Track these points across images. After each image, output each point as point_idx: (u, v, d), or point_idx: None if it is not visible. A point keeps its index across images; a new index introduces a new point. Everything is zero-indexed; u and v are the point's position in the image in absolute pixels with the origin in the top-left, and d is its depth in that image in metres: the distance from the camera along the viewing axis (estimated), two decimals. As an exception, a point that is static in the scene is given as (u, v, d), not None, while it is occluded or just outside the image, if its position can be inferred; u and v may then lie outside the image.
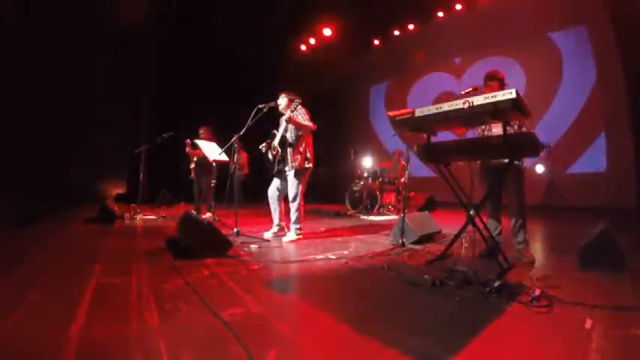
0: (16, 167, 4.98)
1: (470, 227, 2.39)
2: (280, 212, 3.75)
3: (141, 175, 5.52)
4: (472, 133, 2.80)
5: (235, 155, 4.01)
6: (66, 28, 6.25)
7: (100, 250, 2.92)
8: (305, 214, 3.76)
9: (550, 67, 7.34)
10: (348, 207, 6.75)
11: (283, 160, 3.57)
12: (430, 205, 6.60)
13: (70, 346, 1.23)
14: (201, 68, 9.29)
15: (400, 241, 3.15)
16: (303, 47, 10.51)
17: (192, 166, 5.58)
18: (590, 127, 6.78)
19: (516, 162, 2.56)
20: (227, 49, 9.23)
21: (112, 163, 9.14)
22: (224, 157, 4.59)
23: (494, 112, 1.96)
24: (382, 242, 3.43)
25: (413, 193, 6.70)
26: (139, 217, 5.16)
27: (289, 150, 3.55)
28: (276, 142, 3.59)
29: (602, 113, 6.66)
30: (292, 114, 3.46)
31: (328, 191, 9.62)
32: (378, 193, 6.44)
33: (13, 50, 4.91)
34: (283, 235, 3.61)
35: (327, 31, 9.43)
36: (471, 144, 2.51)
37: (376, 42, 10.56)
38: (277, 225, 3.74)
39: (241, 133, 3.63)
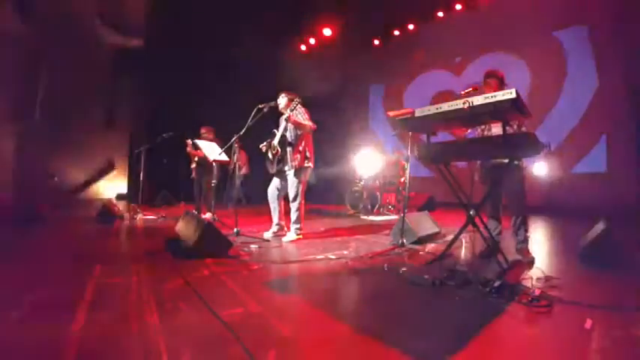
0: (17, 167, 4.98)
1: (470, 227, 2.39)
2: (280, 211, 3.75)
3: (141, 175, 5.52)
4: (472, 133, 2.80)
5: (235, 155, 4.01)
6: (66, 28, 6.25)
7: (100, 250, 2.92)
8: (305, 214, 3.76)
9: (555, 66, 7.31)
10: (348, 207, 6.75)
11: (283, 159, 3.56)
12: (430, 205, 6.60)
13: (70, 346, 1.23)
14: (202, 68, 9.29)
15: (400, 241, 3.15)
16: (303, 47, 10.51)
17: (193, 166, 5.58)
18: (592, 127, 6.78)
19: (516, 162, 2.56)
20: (227, 49, 9.22)
21: (112, 163, 9.14)
22: (224, 157, 4.59)
23: (494, 112, 1.97)
24: (382, 242, 3.43)
25: (413, 193, 6.70)
26: (139, 217, 5.16)
27: (289, 149, 3.55)
28: (275, 141, 3.59)
29: (603, 113, 6.66)
30: (292, 113, 3.46)
31: (328, 191, 9.62)
32: (378, 193, 6.43)
33: (13, 50, 4.91)
34: (283, 234, 3.61)
35: (327, 31, 9.43)
36: (471, 144, 2.51)
37: (376, 42, 10.57)
38: (277, 224, 3.74)
39: (241, 133, 3.63)
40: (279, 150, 3.56)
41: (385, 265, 2.45)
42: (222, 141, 4.71)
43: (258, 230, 3.89)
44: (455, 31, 8.60)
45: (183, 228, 3.06)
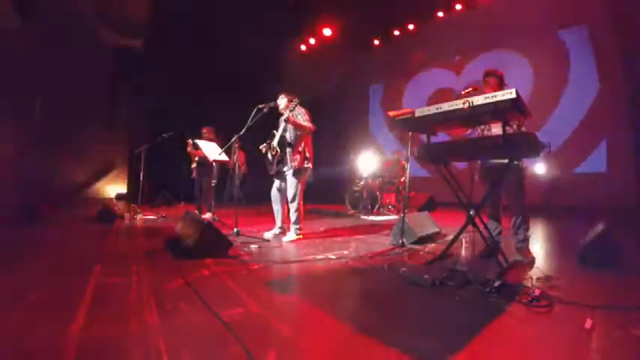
0: (17, 167, 4.98)
1: (470, 227, 2.39)
2: (283, 214, 3.74)
3: (141, 175, 5.52)
4: (473, 134, 2.80)
5: (235, 155, 4.01)
6: (66, 29, 6.26)
7: (100, 250, 2.92)
8: (305, 214, 3.76)
9: (558, 64, 7.29)
10: (348, 207, 6.75)
11: (282, 160, 3.56)
12: (430, 205, 6.60)
13: (70, 346, 1.23)
14: (202, 68, 9.29)
15: (400, 241, 3.15)
16: (303, 47, 10.51)
17: (194, 165, 5.59)
18: (593, 127, 6.78)
19: (516, 162, 2.56)
20: (227, 49, 9.22)
21: (112, 163, 9.15)
22: (224, 157, 4.59)
23: (495, 112, 1.96)
24: (382, 242, 3.43)
25: (413, 193, 6.70)
26: (139, 217, 5.16)
27: (288, 150, 3.55)
28: (275, 142, 3.59)
29: (603, 113, 6.66)
30: (291, 114, 3.46)
31: (328, 191, 9.62)
32: (378, 193, 6.44)
33: (13, 50, 4.91)
34: (283, 235, 3.61)
35: (327, 31, 9.43)
36: (471, 144, 2.51)
37: (376, 42, 10.57)
38: (279, 227, 3.74)
39: (241, 133, 3.63)
40: (279, 151, 3.56)
41: (385, 265, 2.45)
42: (222, 141, 4.71)
43: (258, 230, 3.90)
44: (455, 31, 8.60)
45: (183, 228, 3.06)
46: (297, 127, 3.51)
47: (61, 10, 5.97)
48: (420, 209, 5.86)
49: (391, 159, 7.37)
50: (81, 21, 6.66)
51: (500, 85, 2.70)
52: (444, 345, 1.27)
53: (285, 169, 3.58)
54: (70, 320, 1.43)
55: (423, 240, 3.34)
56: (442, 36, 8.93)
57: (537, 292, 1.73)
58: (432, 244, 3.31)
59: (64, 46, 6.33)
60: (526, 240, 2.67)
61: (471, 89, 2.51)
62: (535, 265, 2.45)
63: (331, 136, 9.83)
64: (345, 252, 2.94)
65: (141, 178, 5.51)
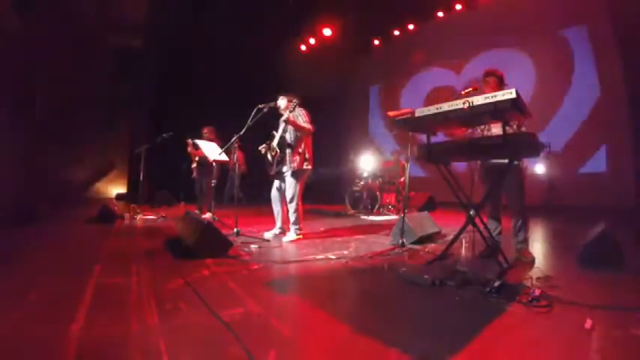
0: (17, 167, 4.98)
1: (470, 227, 2.39)
2: (283, 216, 3.74)
3: (141, 175, 5.52)
4: (473, 133, 2.79)
5: (234, 155, 4.02)
6: (66, 29, 6.25)
7: (100, 250, 2.92)
8: (305, 214, 3.76)
9: (561, 63, 7.26)
10: (348, 207, 6.75)
11: (282, 160, 3.56)
12: (430, 205, 6.60)
13: (70, 346, 1.23)
14: (202, 68, 9.29)
15: (400, 241, 3.15)
16: (303, 47, 10.51)
17: (194, 165, 5.59)
18: (595, 127, 6.77)
19: (516, 162, 2.56)
20: (227, 49, 9.22)
21: (112, 163, 9.15)
22: (224, 157, 4.59)
23: (495, 112, 1.96)
24: (382, 242, 3.43)
25: (413, 193, 6.70)
26: (139, 217, 5.16)
27: (288, 151, 3.55)
28: (275, 142, 3.59)
29: (604, 113, 6.66)
30: (291, 115, 3.46)
31: (328, 191, 9.62)
32: (378, 193, 6.44)
33: (13, 50, 4.91)
34: (283, 236, 3.61)
35: (327, 31, 9.43)
36: (470, 144, 2.51)
37: (376, 42, 10.57)
38: (279, 228, 3.74)
39: (241, 133, 3.63)
40: (278, 151, 3.56)
41: (385, 265, 2.45)
42: (222, 141, 4.71)
43: (258, 230, 3.90)
44: (456, 31, 8.60)
45: (183, 228, 3.06)
46: (297, 128, 3.51)
47: (61, 10, 5.96)
48: (420, 209, 5.86)
49: (391, 159, 7.37)
50: (81, 21, 6.66)
51: (500, 85, 2.70)
52: (444, 345, 1.27)
53: (284, 169, 3.58)
54: (70, 320, 1.42)
55: (423, 240, 3.34)
56: (442, 36, 8.93)
57: (537, 292, 1.73)
58: (432, 244, 3.31)
59: (64, 46, 6.33)
60: (526, 241, 2.67)
61: (470, 89, 2.51)
62: (535, 265, 2.45)
63: (331, 137, 9.84)
64: (345, 252, 2.94)
65: (141, 178, 5.51)
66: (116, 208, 5.19)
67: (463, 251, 2.93)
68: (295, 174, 3.53)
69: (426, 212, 4.30)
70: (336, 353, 1.25)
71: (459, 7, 8.50)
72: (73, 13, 6.35)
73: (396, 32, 9.91)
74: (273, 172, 3.66)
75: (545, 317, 1.54)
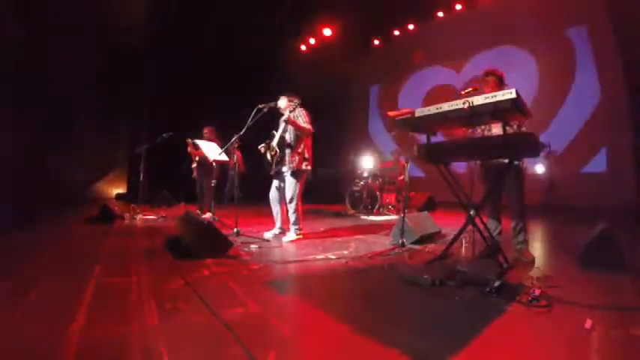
0: (16, 167, 4.98)
1: (470, 227, 2.39)
2: (282, 216, 3.74)
3: (141, 175, 5.52)
4: (474, 133, 2.79)
5: (234, 155, 4.02)
6: (66, 29, 6.25)
7: (100, 250, 2.92)
8: (305, 214, 3.76)
9: (564, 62, 7.23)
10: (348, 207, 6.75)
11: (281, 160, 3.56)
12: (430, 205, 6.60)
13: (70, 346, 1.23)
14: (202, 68, 9.30)
15: (400, 241, 3.15)
16: (303, 47, 10.51)
17: (194, 165, 5.59)
18: (595, 127, 6.77)
19: (516, 162, 2.56)
20: (227, 49, 9.23)
21: (112, 163, 9.16)
22: (224, 157, 4.59)
23: (495, 112, 1.96)
24: (382, 242, 3.43)
25: (413, 193, 6.70)
26: (139, 217, 5.16)
27: (287, 151, 3.55)
28: (274, 142, 3.59)
29: (604, 113, 6.65)
30: (291, 115, 3.45)
31: (328, 191, 9.62)
32: (378, 193, 6.44)
33: (13, 50, 4.91)
34: (283, 236, 3.61)
35: (327, 31, 9.43)
36: (471, 144, 2.51)
37: (376, 42, 10.57)
38: (279, 228, 3.74)
39: (241, 133, 3.63)
40: (278, 151, 3.56)
41: (385, 265, 2.45)
42: (223, 141, 4.71)
43: (258, 230, 3.89)
44: (456, 30, 8.59)
45: (183, 228, 3.06)
46: (297, 128, 3.51)
47: (61, 10, 5.97)
48: (420, 209, 5.86)
49: (391, 159, 7.37)
50: (81, 21, 6.66)
51: (500, 85, 2.70)
52: (444, 345, 1.27)
53: (284, 169, 3.57)
54: (70, 320, 1.43)
55: (423, 240, 3.34)
56: (443, 35, 8.92)
57: (537, 292, 1.73)
58: (432, 244, 3.30)
59: (64, 46, 6.33)
60: (525, 241, 2.67)
61: (471, 89, 2.51)
62: (535, 265, 2.45)
63: (331, 137, 9.83)
64: (345, 252, 2.94)
65: (141, 178, 5.51)
66: (116, 208, 5.19)
67: (463, 251, 2.93)
68: (295, 174, 3.53)
69: (426, 212, 4.30)
70: (336, 353, 1.25)
71: (459, 7, 8.50)
72: (73, 13, 6.34)
73: (396, 32, 9.91)
74: (272, 172, 3.66)
75: (545, 317, 1.54)
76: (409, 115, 2.36)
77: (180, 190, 7.44)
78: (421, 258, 2.72)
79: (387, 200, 6.70)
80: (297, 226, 3.54)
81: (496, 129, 2.60)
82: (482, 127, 2.70)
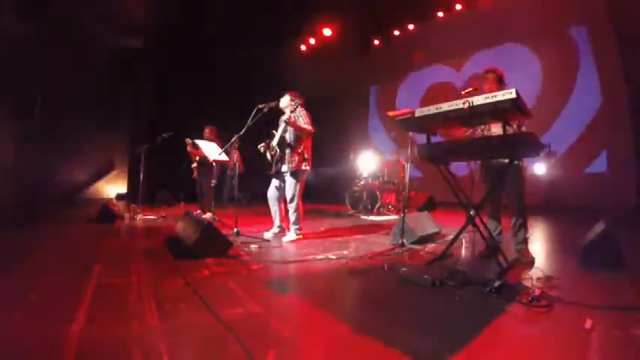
0: (16, 167, 4.98)
1: (470, 227, 2.39)
2: (281, 214, 3.74)
3: (141, 175, 5.52)
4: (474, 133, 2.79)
5: (235, 155, 4.02)
6: (66, 29, 6.26)
7: (100, 250, 2.92)
8: (305, 214, 3.75)
9: (567, 61, 7.18)
10: (348, 207, 6.74)
11: (281, 160, 3.56)
12: (430, 205, 6.60)
13: (70, 346, 1.23)
14: (202, 68, 9.30)
15: (400, 241, 3.15)
16: (303, 47, 10.51)
17: (194, 165, 5.59)
18: (596, 127, 6.76)
19: (516, 162, 2.56)
20: (227, 49, 9.22)
21: (112, 163, 9.15)
22: (224, 157, 4.59)
23: (495, 112, 1.96)
24: (382, 242, 3.42)
25: (413, 193, 6.70)
26: (139, 217, 5.16)
27: (287, 151, 3.55)
28: (274, 142, 3.59)
29: (605, 113, 6.65)
30: (292, 115, 3.45)
31: (328, 191, 9.62)
32: (378, 193, 6.44)
33: (13, 50, 4.91)
34: (283, 235, 3.61)
35: (327, 31, 9.43)
36: (471, 144, 2.51)
37: (376, 42, 10.57)
38: (278, 227, 3.74)
39: (241, 133, 3.63)
40: (278, 151, 3.56)
41: (385, 265, 2.45)
42: (223, 141, 4.71)
43: (258, 230, 3.89)
44: (456, 30, 8.59)
45: (183, 228, 3.06)
46: (297, 129, 3.51)
47: (60, 10, 5.97)
48: (420, 209, 5.85)
49: (391, 159, 7.37)
50: (81, 21, 6.66)
51: (499, 83, 2.70)
52: (444, 345, 1.27)
53: (283, 169, 3.57)
54: (70, 320, 1.43)
55: (423, 240, 3.34)
56: (443, 35, 8.91)
57: (537, 292, 1.73)
58: (432, 244, 3.30)
59: (64, 46, 6.33)
60: (525, 241, 2.67)
61: (471, 89, 2.51)
62: (535, 265, 2.45)
63: (331, 137, 9.83)
64: (345, 252, 2.94)
65: (141, 178, 5.51)
66: (116, 208, 5.18)
67: (463, 251, 2.93)
68: (294, 174, 3.53)
69: (425, 212, 4.30)
70: (336, 353, 1.25)
71: (459, 7, 8.50)
72: (73, 13, 6.35)
73: (396, 32, 9.91)
74: (272, 172, 3.66)
75: (545, 317, 1.54)
76: (409, 115, 2.35)
77: (180, 190, 7.44)
78: (421, 258, 2.72)
79: (387, 200, 6.70)
80: (297, 226, 3.54)
81: (496, 129, 2.60)
82: (482, 127, 2.70)
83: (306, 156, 3.58)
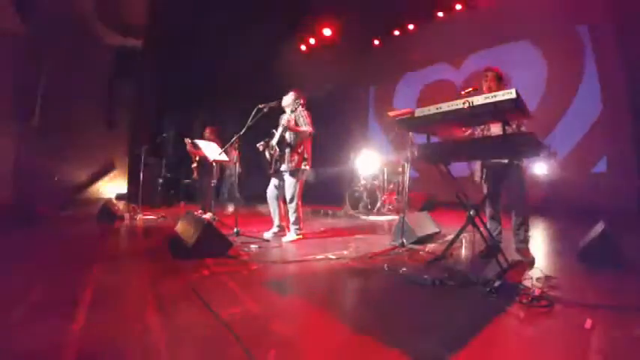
0: (16, 167, 4.99)
1: (470, 227, 2.39)
2: (280, 213, 3.74)
3: (141, 175, 5.52)
4: (473, 133, 2.79)
5: (235, 155, 4.02)
6: (66, 28, 6.26)
7: (100, 250, 2.92)
8: (305, 214, 3.75)
9: (573, 59, 7.10)
10: (348, 207, 6.74)
11: (281, 159, 3.56)
12: (430, 205, 6.60)
13: (70, 346, 1.23)
14: (202, 68, 9.30)
15: (400, 241, 3.15)
16: (303, 47, 10.51)
17: (194, 165, 5.59)
18: (597, 128, 6.74)
19: (517, 162, 2.56)
20: (227, 49, 9.22)
21: (112, 163, 9.14)
22: (224, 157, 4.59)
23: (495, 112, 1.96)
24: (382, 242, 3.42)
25: (413, 193, 6.69)
26: (139, 217, 5.16)
27: (287, 150, 3.54)
28: (274, 141, 3.59)
29: (605, 114, 6.64)
30: (292, 115, 3.45)
31: (328, 191, 9.61)
32: (378, 193, 6.43)
33: (14, 50, 4.91)
34: (283, 235, 3.61)
35: (327, 31, 9.43)
36: (471, 144, 2.51)
37: (376, 42, 10.56)
38: (278, 226, 3.74)
39: (241, 132, 3.63)
40: (277, 150, 3.55)
41: (385, 265, 2.45)
42: (223, 142, 4.71)
43: (258, 230, 3.89)
44: (457, 29, 8.58)
45: (183, 228, 3.06)
46: (296, 132, 3.51)
47: (61, 10, 5.97)
48: (420, 209, 5.85)
49: (391, 159, 7.36)
50: (81, 21, 6.66)
51: (498, 82, 2.71)
52: (444, 345, 1.27)
53: (283, 168, 3.57)
54: (70, 320, 1.43)
55: (423, 240, 3.34)
56: (443, 35, 8.90)
57: (537, 292, 1.73)
58: (432, 244, 3.30)
59: (64, 46, 6.33)
60: (526, 240, 2.67)
61: (471, 89, 2.51)
62: (535, 265, 2.45)
63: (331, 137, 9.82)
64: (345, 252, 2.94)
65: (141, 178, 5.51)
66: (116, 208, 5.18)
67: (463, 251, 2.93)
68: (294, 173, 3.53)
69: (425, 212, 4.30)
70: (336, 353, 1.25)
71: (459, 7, 8.49)
72: (73, 13, 6.35)
73: (396, 32, 9.90)
74: (271, 171, 3.65)
75: (545, 317, 1.54)
76: (409, 115, 2.35)
77: (180, 190, 7.44)
78: (421, 258, 2.72)
79: (387, 200, 6.70)
80: (297, 226, 3.54)
81: (495, 129, 2.60)
82: (482, 126, 2.70)
83: (305, 155, 3.57)
